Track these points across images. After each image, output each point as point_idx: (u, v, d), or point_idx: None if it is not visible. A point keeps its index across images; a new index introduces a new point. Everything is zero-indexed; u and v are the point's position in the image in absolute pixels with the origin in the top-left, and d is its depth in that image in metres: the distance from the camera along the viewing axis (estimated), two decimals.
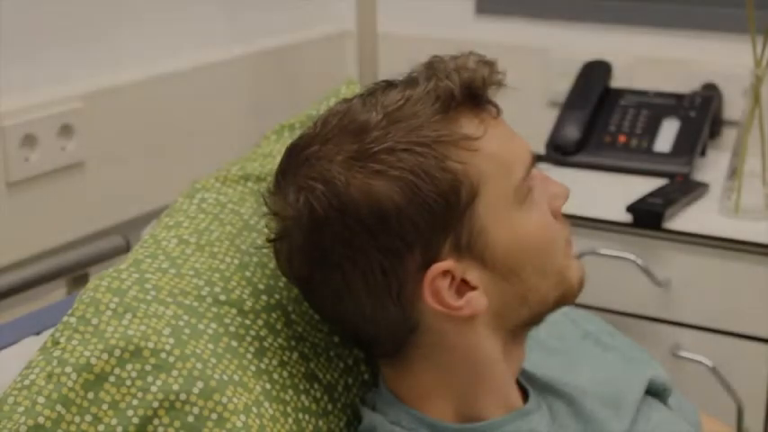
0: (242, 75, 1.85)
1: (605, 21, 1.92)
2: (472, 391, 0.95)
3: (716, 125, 1.81)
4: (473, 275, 0.90)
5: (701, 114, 1.75)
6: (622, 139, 1.76)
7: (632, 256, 1.53)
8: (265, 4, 1.93)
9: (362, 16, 1.83)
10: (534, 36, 1.97)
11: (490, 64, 0.93)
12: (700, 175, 1.70)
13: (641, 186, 1.63)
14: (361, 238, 0.87)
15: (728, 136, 1.80)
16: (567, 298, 0.95)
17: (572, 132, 1.76)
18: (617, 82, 1.86)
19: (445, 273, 0.89)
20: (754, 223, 1.53)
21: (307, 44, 2.00)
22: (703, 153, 1.77)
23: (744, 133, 1.54)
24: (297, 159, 0.92)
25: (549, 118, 1.82)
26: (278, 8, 1.96)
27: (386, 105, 0.90)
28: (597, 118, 1.79)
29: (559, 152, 1.76)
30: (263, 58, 1.88)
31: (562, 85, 1.87)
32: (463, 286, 0.90)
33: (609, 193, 1.64)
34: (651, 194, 1.58)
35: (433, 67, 0.93)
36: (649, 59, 1.88)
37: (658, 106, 1.78)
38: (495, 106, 0.93)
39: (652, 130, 1.76)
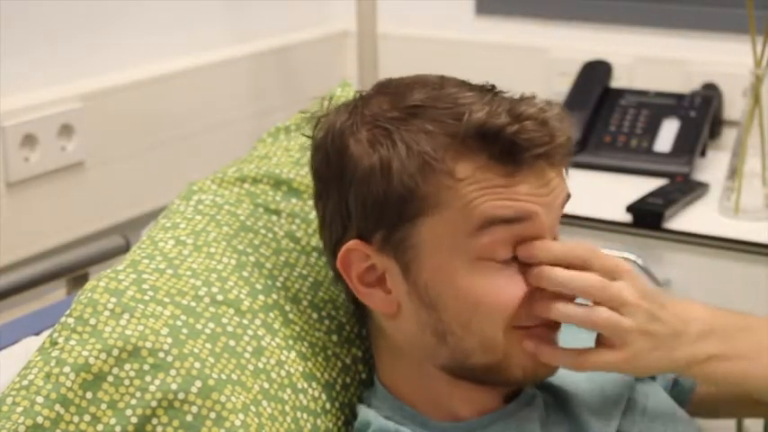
0: (242, 75, 1.85)
1: (605, 21, 1.92)
2: (440, 390, 0.96)
3: (716, 125, 1.81)
4: (393, 279, 0.93)
5: (701, 114, 1.75)
6: (622, 139, 1.76)
7: (632, 256, 1.53)
8: (265, 5, 1.93)
9: (362, 16, 1.83)
10: (534, 36, 1.97)
11: (546, 125, 0.88)
12: (700, 175, 1.70)
13: (641, 186, 1.63)
14: (334, 177, 0.94)
15: (728, 136, 1.80)
16: (498, 374, 0.92)
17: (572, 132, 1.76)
18: (617, 82, 1.86)
19: (366, 256, 0.92)
20: (753, 223, 1.53)
21: (307, 44, 2.00)
22: (703, 153, 1.77)
23: (744, 133, 1.54)
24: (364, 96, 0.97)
25: None
26: (278, 8, 1.96)
27: (426, 97, 0.91)
28: (597, 118, 1.79)
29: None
30: (263, 58, 1.88)
31: (562, 85, 1.87)
32: (380, 282, 0.93)
33: (609, 193, 1.64)
34: (651, 194, 1.58)
35: (495, 94, 0.91)
36: (649, 59, 1.88)
37: (658, 106, 1.78)
38: (519, 163, 0.88)
39: (652, 130, 1.76)
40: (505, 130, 0.87)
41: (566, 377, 0.99)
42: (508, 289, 0.90)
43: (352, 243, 0.93)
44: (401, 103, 0.92)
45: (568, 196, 0.94)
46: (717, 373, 0.93)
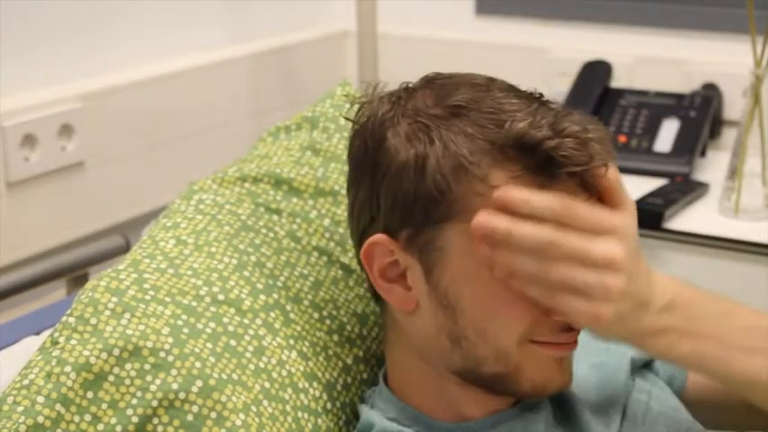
0: (242, 75, 1.85)
1: (605, 21, 1.92)
2: (449, 391, 0.96)
3: (716, 125, 1.81)
4: (414, 277, 0.92)
5: (701, 114, 1.75)
6: (622, 139, 1.76)
7: None
8: (265, 5, 1.93)
9: (362, 16, 1.83)
10: (534, 36, 1.97)
11: (586, 145, 0.85)
12: (700, 175, 1.70)
13: (641, 186, 1.62)
14: (368, 166, 0.93)
15: (728, 136, 1.80)
16: (507, 385, 0.92)
17: None
18: (617, 82, 1.86)
19: (390, 252, 0.92)
20: (753, 223, 1.53)
21: (307, 44, 2.00)
22: (703, 153, 1.77)
23: (744, 133, 1.54)
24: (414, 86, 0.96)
25: None
26: (278, 8, 1.96)
27: (470, 98, 0.90)
28: (597, 118, 1.79)
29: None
30: (263, 58, 1.88)
31: (562, 85, 1.87)
32: (401, 278, 0.93)
33: None
34: (651, 194, 1.58)
35: (542, 104, 0.90)
36: (649, 59, 1.88)
37: (658, 106, 1.78)
38: (553, 177, 0.86)
39: (652, 130, 1.76)
40: (544, 144, 0.85)
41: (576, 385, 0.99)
42: (524, 303, 0.88)
43: (378, 237, 0.92)
44: (445, 101, 0.91)
45: None
46: (672, 350, 0.88)
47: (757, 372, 0.89)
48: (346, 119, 1.02)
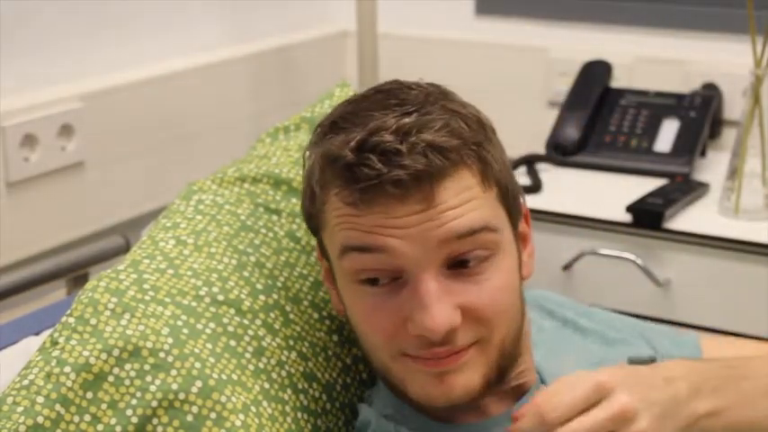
0: (242, 75, 1.85)
1: (605, 21, 1.92)
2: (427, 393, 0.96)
3: (716, 125, 1.81)
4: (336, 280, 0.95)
5: (701, 114, 1.75)
6: (622, 139, 1.76)
7: (632, 256, 1.53)
8: (265, 5, 1.93)
9: (362, 16, 1.83)
10: (534, 36, 1.97)
11: (388, 162, 0.85)
12: (700, 175, 1.70)
13: (641, 186, 1.62)
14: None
15: (728, 136, 1.80)
16: (405, 396, 0.92)
17: (572, 132, 1.76)
18: (617, 82, 1.86)
19: (320, 258, 0.97)
20: (753, 223, 1.53)
21: (307, 44, 2.00)
22: (703, 153, 1.77)
23: (744, 133, 1.53)
24: None
25: (549, 118, 1.82)
26: (278, 8, 1.96)
27: (343, 112, 0.92)
28: (597, 118, 1.79)
29: (559, 152, 1.76)
30: (262, 58, 1.88)
31: (562, 85, 1.87)
32: (333, 282, 0.96)
33: (609, 193, 1.64)
34: (651, 194, 1.58)
35: (403, 114, 0.87)
36: (649, 59, 1.88)
37: (658, 106, 1.78)
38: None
39: (652, 130, 1.76)
40: (343, 161, 0.86)
41: (557, 372, 0.99)
42: (380, 314, 0.89)
43: (318, 241, 0.97)
44: (332, 115, 0.93)
45: (483, 227, 0.88)
46: (718, 427, 0.89)
47: None
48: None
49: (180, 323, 0.94)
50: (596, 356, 1.05)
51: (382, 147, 0.85)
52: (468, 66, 2.00)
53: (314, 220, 0.94)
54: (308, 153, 0.94)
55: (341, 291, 0.94)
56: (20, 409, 0.86)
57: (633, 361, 1.04)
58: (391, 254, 0.87)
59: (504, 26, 1.99)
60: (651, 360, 1.06)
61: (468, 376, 0.90)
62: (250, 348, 0.96)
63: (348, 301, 0.93)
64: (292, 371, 0.97)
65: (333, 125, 0.91)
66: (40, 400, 0.87)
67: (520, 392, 0.97)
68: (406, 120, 0.86)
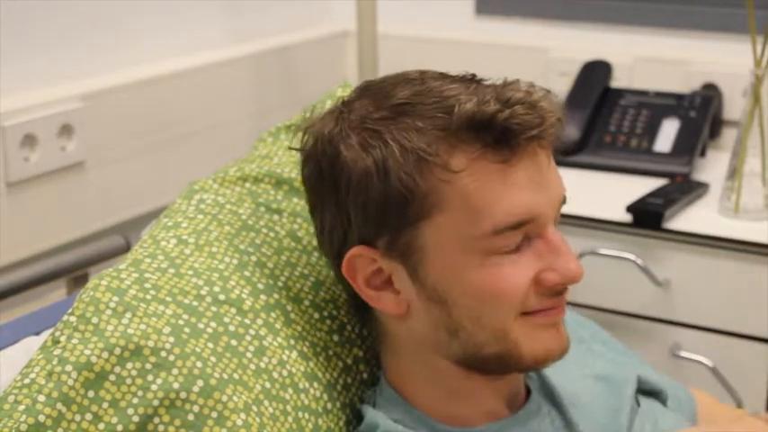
0: (242, 75, 1.85)
1: (605, 21, 1.92)
2: (445, 394, 0.96)
3: (716, 125, 1.81)
4: (400, 280, 0.93)
5: (701, 114, 1.75)
6: (622, 139, 1.76)
7: (632, 256, 1.53)
8: (265, 5, 1.93)
9: (362, 16, 1.83)
10: (534, 36, 1.97)
11: (535, 107, 0.88)
12: (700, 175, 1.70)
13: (641, 186, 1.63)
14: (328, 186, 0.94)
15: (728, 136, 1.80)
16: (511, 362, 0.93)
17: (572, 132, 1.76)
18: (617, 82, 1.86)
19: (372, 260, 0.93)
20: (753, 223, 1.53)
21: (307, 44, 2.00)
22: (703, 153, 1.77)
23: (744, 133, 1.54)
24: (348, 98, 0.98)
25: None
26: (278, 8, 1.96)
27: (411, 93, 0.91)
28: (597, 118, 1.79)
29: (559, 152, 1.75)
30: (263, 58, 1.88)
31: (562, 85, 1.87)
32: (387, 284, 0.93)
33: (609, 193, 1.64)
34: (651, 194, 1.58)
35: (478, 83, 0.92)
36: (649, 59, 1.88)
37: (658, 106, 1.78)
38: (513, 149, 0.88)
39: (652, 130, 1.76)
40: (497, 117, 0.87)
41: (570, 393, 1.00)
42: (516, 275, 0.90)
43: (357, 249, 0.93)
44: (387, 103, 0.92)
45: (565, 198, 0.94)
46: None
47: None
48: (291, 148, 1.03)
49: (181, 322, 0.93)
50: (603, 371, 1.05)
51: (524, 100, 0.88)
52: (468, 66, 1.97)
53: (415, 204, 0.89)
54: (390, 137, 0.90)
55: (441, 278, 0.91)
56: (21, 407, 0.86)
57: (642, 382, 1.05)
58: (538, 214, 0.90)
59: (504, 26, 1.99)
60: (660, 389, 1.06)
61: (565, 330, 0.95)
62: (251, 348, 0.95)
63: (470, 277, 0.90)
64: (293, 370, 0.97)
65: (403, 106, 0.90)
66: (42, 398, 0.87)
67: (514, 399, 0.99)
68: (499, 84, 0.90)
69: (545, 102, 0.89)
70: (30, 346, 1.11)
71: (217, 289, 0.98)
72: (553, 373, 1.01)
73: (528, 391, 1.00)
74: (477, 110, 0.87)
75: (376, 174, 0.90)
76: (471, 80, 0.93)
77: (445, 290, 0.91)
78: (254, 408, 0.91)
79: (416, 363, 0.97)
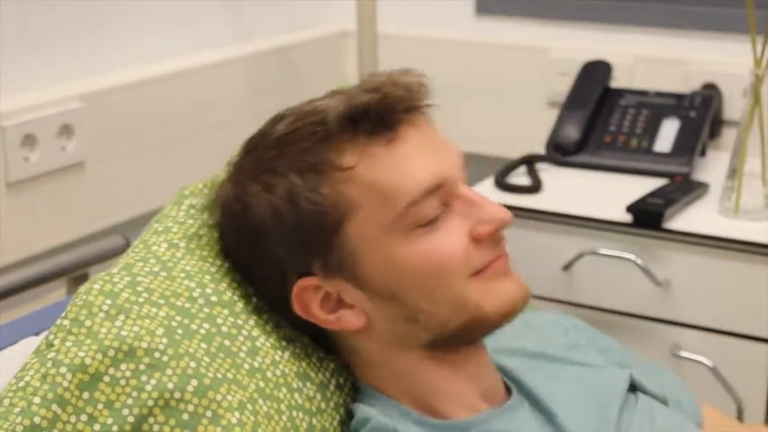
0: (242, 75, 1.85)
1: (605, 21, 1.92)
2: (423, 392, 0.97)
3: (716, 125, 1.81)
4: (349, 295, 0.95)
5: (701, 114, 1.75)
6: (622, 139, 1.76)
7: (632, 256, 1.53)
8: (265, 5, 1.93)
9: (362, 16, 1.83)
10: (534, 36, 1.97)
11: (398, 83, 0.93)
12: (700, 175, 1.70)
13: (641, 186, 1.63)
14: (250, 241, 0.97)
15: (728, 136, 1.80)
16: (480, 324, 0.95)
17: (572, 132, 1.76)
18: (617, 82, 1.86)
19: (317, 288, 0.95)
20: (753, 223, 1.53)
21: (307, 44, 2.00)
22: (703, 153, 1.77)
23: (744, 133, 1.53)
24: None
25: (549, 118, 1.82)
26: (278, 8, 1.96)
27: (288, 122, 0.95)
28: (597, 118, 1.79)
29: (559, 152, 1.76)
30: (262, 58, 1.88)
31: (562, 85, 1.87)
32: (339, 303, 0.95)
33: (609, 193, 1.64)
34: (651, 194, 1.58)
35: (343, 91, 0.96)
36: (649, 59, 1.88)
37: (658, 106, 1.78)
38: (393, 126, 0.93)
39: (652, 130, 1.76)
40: (367, 105, 0.91)
41: (553, 396, 1.00)
42: (450, 239, 0.93)
43: (298, 284, 0.95)
44: (269, 143, 0.96)
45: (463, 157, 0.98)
46: None
47: None
48: (207, 226, 1.04)
49: (174, 324, 0.94)
50: (592, 379, 1.05)
51: (388, 82, 0.92)
52: (468, 66, 2.00)
53: (329, 216, 0.92)
54: (283, 168, 0.94)
55: (381, 271, 0.93)
56: (16, 409, 0.87)
57: (634, 377, 1.05)
58: (446, 175, 0.93)
59: (504, 26, 1.99)
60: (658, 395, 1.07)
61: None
62: (244, 348, 0.96)
63: (405, 259, 0.92)
64: (286, 370, 0.97)
65: (284, 137, 0.95)
66: (37, 400, 0.87)
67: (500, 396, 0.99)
68: (368, 79, 0.96)
69: (406, 76, 0.94)
70: (30, 346, 1.11)
71: (209, 291, 0.98)
72: (533, 377, 1.02)
73: (509, 392, 1.01)
74: (347, 106, 0.92)
75: (285, 205, 0.93)
76: (336, 91, 0.97)
77: (390, 282, 0.93)
78: (249, 406, 0.92)
79: (390, 368, 0.98)
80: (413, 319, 0.94)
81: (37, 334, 1.14)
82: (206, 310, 0.97)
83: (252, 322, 0.98)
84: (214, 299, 0.98)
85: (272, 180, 0.94)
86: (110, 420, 0.87)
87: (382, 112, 0.92)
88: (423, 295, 0.93)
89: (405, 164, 0.92)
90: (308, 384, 0.98)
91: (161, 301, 0.95)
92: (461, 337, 0.96)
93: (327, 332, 0.99)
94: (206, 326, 0.95)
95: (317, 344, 1.01)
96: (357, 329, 0.96)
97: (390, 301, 0.94)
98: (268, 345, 0.98)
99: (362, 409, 0.97)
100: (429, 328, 0.94)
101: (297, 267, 0.95)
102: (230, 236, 1.00)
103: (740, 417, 1.51)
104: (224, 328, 0.96)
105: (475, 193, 0.95)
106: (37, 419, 0.86)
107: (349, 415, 1.00)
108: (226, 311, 0.97)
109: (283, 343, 0.99)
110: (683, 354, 1.53)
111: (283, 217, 0.93)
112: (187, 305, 0.96)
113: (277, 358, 0.97)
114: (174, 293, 0.96)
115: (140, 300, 0.94)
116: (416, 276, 0.92)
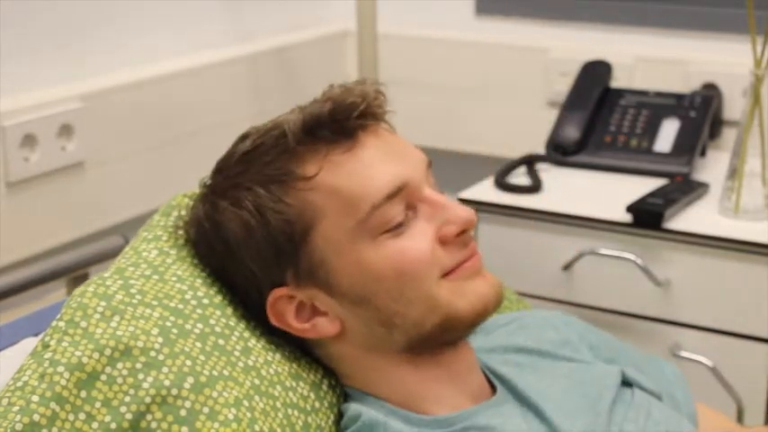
0: (242, 75, 1.85)
1: (605, 21, 1.92)
2: (406, 393, 0.98)
3: (716, 125, 1.81)
4: (322, 302, 0.96)
5: (701, 114, 1.75)
6: (622, 139, 1.76)
7: (632, 256, 1.53)
8: (265, 5, 1.93)
9: (362, 16, 1.83)
10: (534, 36, 1.97)
11: (353, 91, 0.95)
12: (700, 175, 1.70)
13: (641, 186, 1.62)
14: (224, 256, 0.99)
15: (728, 136, 1.80)
16: (453, 324, 0.96)
17: (572, 132, 1.76)
18: (617, 82, 1.86)
19: (290, 297, 0.96)
20: (753, 223, 1.52)
21: (307, 44, 2.00)
22: (703, 153, 1.77)
23: (744, 133, 1.53)
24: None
25: (549, 118, 1.82)
26: (277, 8, 1.96)
27: (251, 140, 0.98)
28: (597, 118, 1.79)
29: (559, 152, 1.76)
30: (263, 58, 1.88)
31: (562, 85, 1.87)
32: (314, 311, 0.97)
33: (609, 193, 1.64)
34: (651, 194, 1.58)
35: (302, 107, 0.98)
36: (649, 59, 1.88)
37: (658, 106, 1.78)
38: (351, 134, 0.95)
39: (652, 130, 1.75)
40: (324, 114, 0.93)
41: (542, 392, 1.00)
42: (416, 242, 0.94)
43: (272, 295, 0.97)
44: (234, 160, 0.98)
45: (429, 162, 0.99)
46: None
47: None
48: (185, 246, 1.05)
49: (169, 324, 0.95)
50: (583, 377, 1.05)
51: (343, 93, 0.95)
52: (468, 66, 2.00)
53: (296, 225, 0.94)
54: (250, 183, 0.96)
55: (350, 276, 0.94)
56: (15, 408, 0.87)
57: (627, 374, 1.05)
58: (408, 179, 0.94)
59: (504, 26, 1.99)
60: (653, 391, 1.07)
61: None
62: (238, 347, 0.97)
63: (373, 263, 0.93)
64: (279, 370, 0.98)
65: (248, 154, 0.97)
66: (35, 399, 0.87)
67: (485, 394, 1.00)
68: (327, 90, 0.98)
69: (361, 85, 0.96)
70: (29, 346, 1.11)
71: (201, 293, 1.00)
72: (522, 374, 1.02)
73: (495, 390, 1.01)
74: (305, 117, 0.94)
75: (254, 219, 0.95)
76: (296, 108, 0.99)
77: (361, 287, 0.94)
78: (246, 402, 0.92)
79: (371, 371, 0.99)
80: (388, 323, 0.95)
81: (36, 334, 1.14)
82: (199, 311, 0.98)
83: (243, 325, 1.00)
84: (206, 301, 0.99)
85: (239, 194, 0.96)
86: (108, 418, 0.88)
87: (339, 120, 0.94)
88: (393, 299, 0.94)
89: (366, 169, 0.94)
90: (302, 384, 0.99)
91: (154, 303, 0.96)
92: (438, 339, 0.96)
93: (306, 340, 1.00)
94: (200, 326, 0.96)
95: (302, 351, 1.02)
96: (333, 336, 0.97)
97: (362, 306, 0.95)
98: (260, 346, 0.99)
99: (353, 407, 0.98)
100: (404, 330, 0.95)
101: (270, 278, 0.97)
102: (206, 252, 1.01)
103: (740, 417, 1.51)
104: (217, 329, 0.97)
105: (439, 195, 0.97)
106: (36, 417, 0.87)
107: (341, 416, 1.01)
108: (218, 313, 0.99)
109: (274, 346, 1.00)
110: (683, 354, 1.53)
111: (253, 229, 0.95)
112: (180, 306, 0.97)
113: (269, 358, 0.98)
114: (167, 296, 0.98)
115: (134, 301, 0.95)
116: (386, 280, 0.93)
